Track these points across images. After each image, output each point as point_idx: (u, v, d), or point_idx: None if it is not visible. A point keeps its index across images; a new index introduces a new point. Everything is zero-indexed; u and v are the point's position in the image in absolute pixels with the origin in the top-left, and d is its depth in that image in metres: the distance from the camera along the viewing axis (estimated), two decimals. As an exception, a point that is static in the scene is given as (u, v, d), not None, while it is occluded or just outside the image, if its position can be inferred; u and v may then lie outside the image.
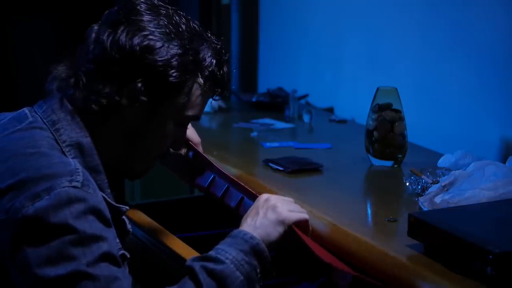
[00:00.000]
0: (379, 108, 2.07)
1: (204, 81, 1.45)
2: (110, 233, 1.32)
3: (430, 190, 1.72)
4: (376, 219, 1.74)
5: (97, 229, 1.28)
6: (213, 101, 2.83)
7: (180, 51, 1.41)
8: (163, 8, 1.44)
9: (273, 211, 1.47)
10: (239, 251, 1.39)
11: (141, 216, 1.85)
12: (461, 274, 1.34)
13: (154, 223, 1.81)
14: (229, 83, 1.53)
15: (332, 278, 1.57)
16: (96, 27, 1.42)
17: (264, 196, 1.52)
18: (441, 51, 2.36)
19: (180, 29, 1.43)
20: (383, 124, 2.07)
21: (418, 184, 1.81)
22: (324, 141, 2.34)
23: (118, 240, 1.39)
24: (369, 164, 2.09)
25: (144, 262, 1.77)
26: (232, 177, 1.69)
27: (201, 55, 1.44)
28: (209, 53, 1.45)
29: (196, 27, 1.47)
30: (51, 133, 1.39)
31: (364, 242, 1.54)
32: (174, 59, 1.40)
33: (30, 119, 1.40)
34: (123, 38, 1.38)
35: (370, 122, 2.08)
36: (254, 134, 2.45)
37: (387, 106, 2.07)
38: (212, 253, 1.39)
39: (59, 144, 1.38)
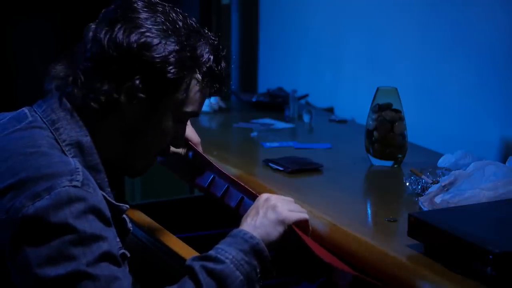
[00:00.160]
0: (379, 108, 2.07)
1: (202, 77, 1.45)
2: (110, 233, 1.32)
3: (430, 190, 1.72)
4: (376, 219, 1.74)
5: (97, 229, 1.28)
6: (213, 101, 2.85)
7: (178, 48, 1.41)
8: (160, 6, 1.44)
9: (273, 210, 1.47)
10: (239, 250, 1.39)
11: (141, 216, 1.85)
12: (461, 274, 1.34)
13: (154, 223, 1.81)
14: (228, 78, 1.52)
15: (332, 278, 1.57)
16: (93, 26, 1.43)
17: (264, 196, 1.52)
18: (441, 51, 2.36)
19: (177, 26, 1.43)
20: (383, 124, 2.07)
21: (418, 184, 1.81)
22: (324, 141, 2.34)
23: (118, 239, 1.39)
24: (369, 164, 2.09)
25: (144, 262, 1.77)
26: (232, 177, 1.69)
27: (198, 51, 1.44)
28: (207, 49, 1.46)
29: (193, 23, 1.47)
30: (51, 132, 1.39)
31: (364, 242, 1.54)
32: (172, 55, 1.40)
33: (30, 118, 1.40)
34: (120, 35, 1.39)
35: (370, 122, 2.08)
36: (254, 134, 2.45)
37: (387, 106, 2.07)
38: (212, 252, 1.39)
39: (59, 144, 1.38)
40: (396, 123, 2.06)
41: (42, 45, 2.99)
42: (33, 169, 1.29)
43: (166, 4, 1.46)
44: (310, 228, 1.53)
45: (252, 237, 1.42)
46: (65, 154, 1.37)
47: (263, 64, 3.32)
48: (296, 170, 2.00)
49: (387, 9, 2.59)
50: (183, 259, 1.54)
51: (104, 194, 1.39)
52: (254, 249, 1.41)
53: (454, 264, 1.37)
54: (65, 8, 3.01)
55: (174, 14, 1.44)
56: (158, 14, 1.42)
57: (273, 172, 2.02)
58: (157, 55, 1.39)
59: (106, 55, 1.39)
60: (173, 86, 1.42)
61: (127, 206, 1.48)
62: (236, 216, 1.60)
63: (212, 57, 1.46)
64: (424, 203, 1.65)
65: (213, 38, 1.48)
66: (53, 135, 1.38)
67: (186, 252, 1.62)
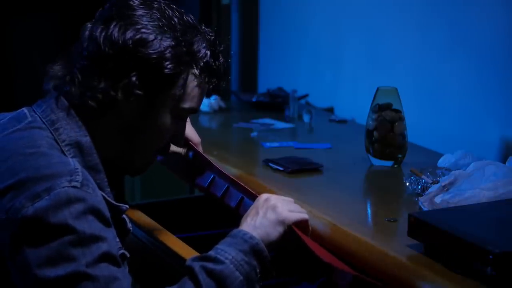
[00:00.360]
0: (379, 108, 2.07)
1: (199, 73, 1.45)
2: (110, 233, 1.32)
3: (430, 190, 1.72)
4: (376, 219, 1.74)
5: (97, 229, 1.28)
6: (213, 101, 2.85)
7: (173, 43, 1.41)
8: (155, 3, 1.44)
9: (273, 211, 1.47)
10: (239, 251, 1.39)
11: (141, 216, 1.85)
12: (461, 274, 1.34)
13: (154, 223, 1.81)
14: (226, 74, 1.52)
15: (332, 278, 1.57)
16: (89, 25, 1.43)
17: (264, 196, 1.52)
18: (441, 51, 2.36)
19: (173, 22, 1.43)
20: (383, 124, 2.07)
21: (418, 184, 1.81)
22: (324, 141, 2.34)
23: (118, 240, 1.39)
24: (369, 164, 2.09)
25: (144, 262, 1.77)
26: (232, 177, 1.69)
27: (195, 47, 1.44)
28: (203, 44, 1.45)
29: (190, 20, 1.47)
30: (50, 132, 1.39)
31: (364, 242, 1.54)
32: (168, 51, 1.40)
33: (29, 118, 1.40)
34: (115, 33, 1.39)
35: (370, 122, 2.08)
36: (254, 134, 2.45)
37: (387, 106, 2.07)
38: (211, 253, 1.39)
39: (58, 144, 1.38)
40: (396, 123, 2.06)
41: (42, 45, 2.98)
42: (33, 170, 1.29)
43: (162, 1, 1.46)
44: (310, 228, 1.53)
45: (251, 237, 1.42)
46: (65, 154, 1.37)
47: (263, 64, 3.32)
48: (296, 170, 2.00)
49: (387, 9, 2.59)
50: (183, 259, 1.54)
51: (104, 194, 1.39)
52: (253, 249, 1.41)
53: (454, 264, 1.37)
54: (65, 8, 3.01)
55: (170, 11, 1.44)
56: (154, 11, 1.42)
57: (273, 172, 2.02)
58: (153, 51, 1.39)
59: (102, 53, 1.39)
60: (170, 82, 1.42)
61: (127, 206, 1.48)
62: (236, 216, 1.60)
63: (209, 52, 1.46)
64: (424, 203, 1.65)
65: (210, 33, 1.48)
66: (53, 135, 1.38)
67: (186, 252, 1.62)
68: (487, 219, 1.49)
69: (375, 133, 2.07)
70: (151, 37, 1.39)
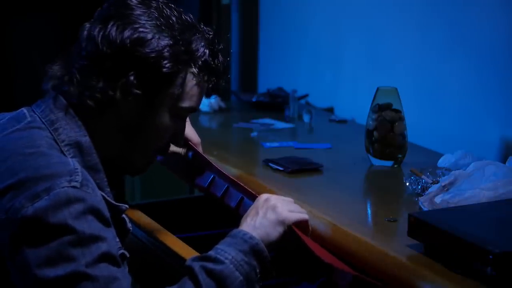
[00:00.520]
0: (379, 108, 2.07)
1: (198, 71, 1.45)
2: (110, 233, 1.32)
3: (430, 190, 1.72)
4: (376, 219, 1.73)
5: (96, 229, 1.28)
6: (213, 101, 2.85)
7: (171, 42, 1.40)
8: (154, 2, 1.44)
9: (273, 211, 1.47)
10: (239, 251, 1.39)
11: (141, 216, 1.85)
12: (461, 274, 1.34)
13: (154, 223, 1.81)
14: (225, 72, 1.51)
15: (332, 278, 1.57)
16: (88, 25, 1.43)
17: (264, 196, 1.52)
18: (441, 51, 2.36)
19: (171, 21, 1.43)
20: (383, 124, 2.07)
21: (418, 184, 1.81)
22: (324, 141, 2.34)
23: (117, 240, 1.39)
24: (369, 164, 2.09)
25: (144, 262, 1.77)
26: (231, 177, 1.69)
27: (193, 45, 1.44)
28: (202, 43, 1.45)
29: (188, 19, 1.47)
30: (50, 132, 1.38)
31: (364, 242, 1.54)
32: (166, 50, 1.39)
33: (29, 118, 1.40)
34: (113, 32, 1.39)
35: (370, 122, 2.08)
36: (254, 134, 2.45)
37: (387, 106, 2.07)
38: (211, 253, 1.39)
39: (58, 144, 1.38)
40: (396, 123, 2.06)
41: (42, 45, 2.99)
42: (32, 170, 1.29)
43: (160, 1, 1.45)
44: (310, 228, 1.53)
45: (251, 237, 1.42)
46: (64, 154, 1.37)
47: (263, 64, 3.32)
48: (296, 170, 2.00)
49: (387, 9, 2.59)
50: (183, 259, 1.54)
51: (104, 194, 1.39)
52: (253, 250, 1.41)
53: (454, 264, 1.37)
54: (65, 8, 3.01)
55: (168, 10, 1.44)
56: (152, 10, 1.42)
57: (273, 172, 2.02)
58: (151, 50, 1.39)
59: (100, 53, 1.39)
60: (168, 81, 1.42)
61: (127, 206, 1.48)
62: (236, 216, 1.60)
63: (207, 51, 1.45)
64: (424, 203, 1.65)
65: (209, 32, 1.48)
66: (52, 135, 1.38)
67: (186, 252, 1.62)
68: (487, 219, 1.49)
69: (375, 133, 2.07)
70: (149, 36, 1.39)
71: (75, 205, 1.27)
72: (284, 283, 1.78)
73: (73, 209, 1.26)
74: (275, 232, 1.45)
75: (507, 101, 2.15)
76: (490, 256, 1.28)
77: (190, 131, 1.72)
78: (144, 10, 1.42)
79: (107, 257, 1.27)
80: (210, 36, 1.47)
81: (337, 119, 2.67)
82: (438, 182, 1.75)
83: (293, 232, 1.47)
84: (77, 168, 1.31)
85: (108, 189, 1.43)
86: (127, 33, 1.38)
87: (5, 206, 1.26)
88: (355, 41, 2.76)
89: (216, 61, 1.47)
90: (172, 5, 1.46)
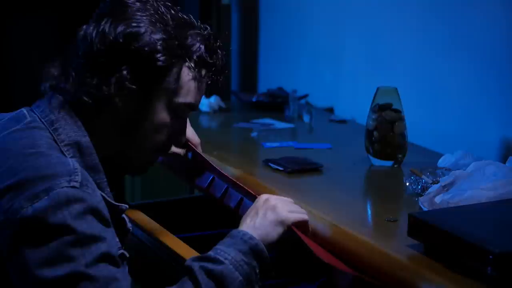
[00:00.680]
0: (379, 108, 2.07)
1: (194, 66, 1.44)
2: (109, 233, 1.32)
3: (430, 190, 1.72)
4: (376, 219, 1.73)
5: (96, 230, 1.28)
6: (213, 101, 2.85)
7: (165, 36, 1.40)
8: (150, 0, 1.44)
9: (272, 211, 1.47)
10: (238, 251, 1.39)
11: (141, 216, 1.84)
12: (461, 274, 1.34)
13: (154, 223, 1.81)
14: (224, 69, 1.50)
15: (332, 279, 1.57)
16: (85, 26, 1.43)
17: (264, 196, 1.52)
18: (441, 51, 2.36)
19: (165, 17, 1.42)
20: (383, 124, 2.07)
21: (418, 184, 1.81)
22: (324, 141, 2.34)
23: (117, 240, 1.39)
24: (369, 164, 2.09)
25: (144, 262, 1.77)
26: (231, 178, 1.69)
27: (188, 41, 1.43)
28: (198, 39, 1.45)
29: (185, 16, 1.46)
30: (50, 132, 1.39)
31: (364, 242, 1.54)
32: (159, 43, 1.39)
33: (29, 118, 1.40)
34: (106, 28, 1.39)
35: (370, 122, 2.08)
36: (254, 134, 2.45)
37: (387, 106, 2.07)
38: (211, 253, 1.39)
39: (57, 144, 1.38)
40: (396, 123, 2.06)
41: (41, 45, 2.99)
42: (32, 170, 1.29)
43: None
44: (310, 228, 1.53)
45: (251, 237, 1.42)
46: (64, 154, 1.37)
47: (263, 64, 3.32)
48: (296, 170, 2.00)
49: (387, 9, 2.59)
50: (183, 259, 1.54)
51: (103, 194, 1.39)
52: (253, 250, 1.41)
53: (454, 264, 1.37)
54: (64, 9, 3.01)
55: (164, 8, 1.44)
56: (148, 6, 1.42)
57: (273, 172, 2.02)
58: (144, 43, 1.38)
59: (94, 50, 1.39)
60: (163, 75, 1.41)
61: (126, 206, 1.48)
62: (236, 216, 1.60)
63: (203, 47, 1.45)
64: (424, 203, 1.65)
65: (205, 29, 1.47)
66: (52, 135, 1.38)
67: (186, 252, 1.62)
68: (487, 219, 1.48)
69: (375, 133, 2.07)
70: (142, 30, 1.39)
71: (74, 205, 1.27)
72: (284, 283, 1.78)
73: (73, 209, 1.26)
74: (275, 232, 1.45)
75: (507, 101, 2.15)
76: (490, 256, 1.28)
77: (189, 132, 1.72)
78: (139, 7, 1.42)
79: (106, 257, 1.27)
80: (207, 32, 1.47)
81: (337, 119, 2.67)
82: (438, 182, 1.75)
83: (293, 233, 1.47)
84: (76, 168, 1.31)
85: (108, 189, 1.43)
86: (120, 28, 1.39)
87: (5, 207, 1.26)
88: (355, 41, 2.75)
89: (213, 57, 1.47)
90: (169, 4, 1.46)
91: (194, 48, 1.44)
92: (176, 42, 1.42)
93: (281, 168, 2.01)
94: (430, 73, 2.42)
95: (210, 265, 1.36)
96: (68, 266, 1.24)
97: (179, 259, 1.59)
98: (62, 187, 1.27)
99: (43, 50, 2.85)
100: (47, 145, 1.36)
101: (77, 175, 1.30)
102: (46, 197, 1.26)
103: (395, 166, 2.06)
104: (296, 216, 1.49)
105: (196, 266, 1.36)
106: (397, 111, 2.07)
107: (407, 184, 1.83)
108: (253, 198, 1.57)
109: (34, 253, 1.24)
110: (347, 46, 2.79)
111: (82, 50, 1.41)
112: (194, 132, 1.76)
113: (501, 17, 2.15)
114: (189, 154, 1.76)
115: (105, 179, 1.42)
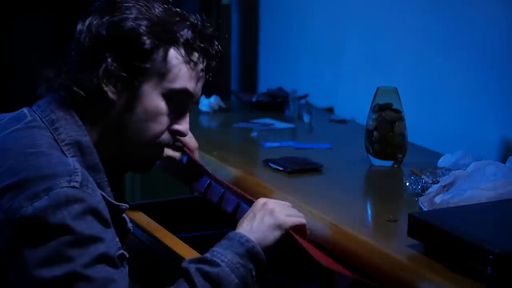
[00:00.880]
0: (379, 108, 2.07)
1: (183, 50, 1.43)
2: (109, 234, 1.32)
3: (430, 190, 1.72)
4: (376, 219, 1.73)
5: (95, 230, 1.28)
6: (213, 101, 2.84)
7: (149, 23, 1.40)
8: None
9: (270, 215, 1.47)
10: (235, 253, 1.39)
11: (141, 216, 1.84)
12: (461, 274, 1.34)
13: (154, 223, 1.81)
14: (217, 55, 1.48)
15: (331, 281, 1.57)
16: (78, 26, 1.44)
17: (262, 200, 1.51)
18: (441, 51, 2.36)
19: (153, 10, 1.42)
20: (383, 124, 2.07)
21: (418, 184, 1.81)
22: (324, 141, 2.34)
23: (117, 240, 1.38)
24: (369, 164, 2.09)
25: (144, 262, 1.77)
26: (227, 183, 1.69)
27: (174, 27, 1.42)
28: (185, 24, 1.44)
29: (177, 11, 1.46)
30: (50, 132, 1.38)
31: (364, 242, 1.54)
32: (142, 28, 1.39)
33: (29, 118, 1.41)
34: (93, 24, 1.40)
35: (370, 122, 2.08)
36: (254, 134, 2.45)
37: (387, 106, 2.07)
38: (207, 255, 1.39)
39: (58, 143, 1.38)
40: (396, 123, 2.06)
41: (41, 46, 2.99)
42: (32, 170, 1.29)
43: None
44: (308, 232, 1.53)
45: (248, 240, 1.42)
46: (65, 154, 1.37)
47: (263, 64, 3.32)
48: (296, 170, 2.00)
49: (387, 9, 2.59)
50: (182, 259, 1.54)
51: (104, 194, 1.39)
52: (249, 253, 1.41)
53: (454, 264, 1.37)
54: (64, 9, 3.01)
55: (156, 4, 1.43)
56: (140, 2, 1.42)
57: (273, 172, 2.02)
58: (126, 29, 1.38)
59: (84, 46, 1.40)
60: (148, 57, 1.40)
61: (127, 205, 1.48)
62: (234, 219, 1.60)
63: (190, 31, 1.44)
64: (424, 203, 1.65)
65: (195, 17, 1.46)
66: (53, 135, 1.38)
67: (186, 252, 1.62)
68: (487, 219, 1.48)
69: (375, 133, 2.07)
70: (125, 17, 1.39)
71: (74, 205, 1.27)
72: (284, 283, 1.78)
73: (72, 209, 1.26)
74: (272, 236, 1.45)
75: (507, 101, 2.15)
76: (490, 256, 1.28)
77: (187, 136, 1.71)
78: (127, 3, 1.41)
79: (104, 259, 1.27)
80: (195, 19, 1.46)
81: (337, 119, 2.67)
82: (438, 182, 1.75)
83: (291, 236, 1.47)
84: (76, 168, 1.31)
85: (109, 189, 1.42)
86: (105, 20, 1.39)
87: (5, 206, 1.26)
88: (355, 41, 2.75)
89: (204, 42, 1.45)
90: (165, 1, 1.46)
91: (181, 33, 1.43)
92: (161, 28, 1.41)
93: (281, 168, 2.01)
94: (430, 73, 2.41)
95: (206, 267, 1.36)
96: (65, 266, 1.24)
97: (179, 259, 1.59)
98: (62, 187, 1.27)
99: (43, 50, 2.85)
100: (48, 144, 1.36)
101: (77, 175, 1.30)
102: (46, 197, 1.26)
103: (395, 166, 2.06)
104: (294, 220, 1.49)
105: (192, 268, 1.36)
106: (397, 111, 2.07)
107: (407, 184, 1.83)
108: (250, 203, 1.57)
109: (33, 253, 1.24)
110: (347, 46, 2.79)
111: (75, 49, 1.42)
112: (192, 136, 1.75)
113: (501, 17, 2.15)
114: (184, 159, 1.75)
115: (105, 179, 1.42)
